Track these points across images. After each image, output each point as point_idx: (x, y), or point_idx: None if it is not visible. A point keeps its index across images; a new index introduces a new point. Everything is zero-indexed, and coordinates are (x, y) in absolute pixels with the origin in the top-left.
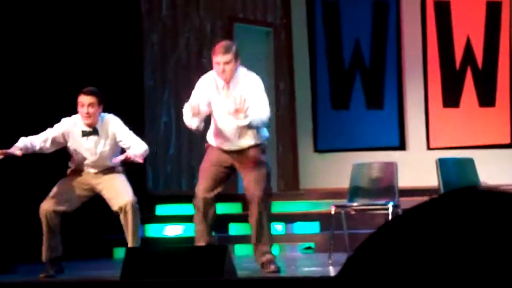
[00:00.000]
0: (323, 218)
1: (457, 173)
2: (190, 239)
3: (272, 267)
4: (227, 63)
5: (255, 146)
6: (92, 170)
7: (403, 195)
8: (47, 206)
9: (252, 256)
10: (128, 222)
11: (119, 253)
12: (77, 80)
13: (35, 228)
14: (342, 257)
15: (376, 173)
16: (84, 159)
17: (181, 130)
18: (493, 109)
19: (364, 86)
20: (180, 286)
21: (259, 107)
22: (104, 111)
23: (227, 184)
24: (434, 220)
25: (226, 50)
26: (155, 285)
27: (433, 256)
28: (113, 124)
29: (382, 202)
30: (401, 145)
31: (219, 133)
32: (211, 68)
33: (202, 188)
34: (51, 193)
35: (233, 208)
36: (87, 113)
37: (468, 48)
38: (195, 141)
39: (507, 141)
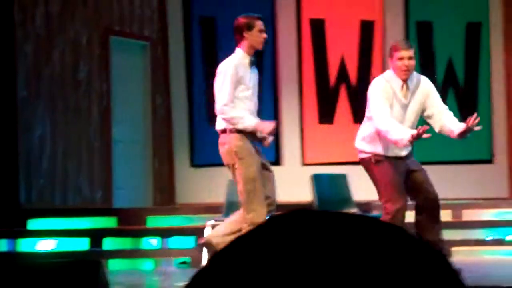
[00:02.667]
0: (199, 233)
1: (330, 189)
2: (63, 254)
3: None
4: (411, 58)
5: None
6: None
7: (277, 210)
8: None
9: (128, 270)
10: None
11: None
12: None
13: None
14: None
15: None
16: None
17: (55, 143)
18: None
19: None
20: None
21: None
22: None
23: (100, 198)
24: (270, 241)
25: (410, 45)
26: None
27: (269, 276)
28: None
29: None
30: (277, 161)
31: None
32: (88, 81)
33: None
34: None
35: (108, 222)
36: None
37: (342, 66)
38: (70, 154)
39: None
